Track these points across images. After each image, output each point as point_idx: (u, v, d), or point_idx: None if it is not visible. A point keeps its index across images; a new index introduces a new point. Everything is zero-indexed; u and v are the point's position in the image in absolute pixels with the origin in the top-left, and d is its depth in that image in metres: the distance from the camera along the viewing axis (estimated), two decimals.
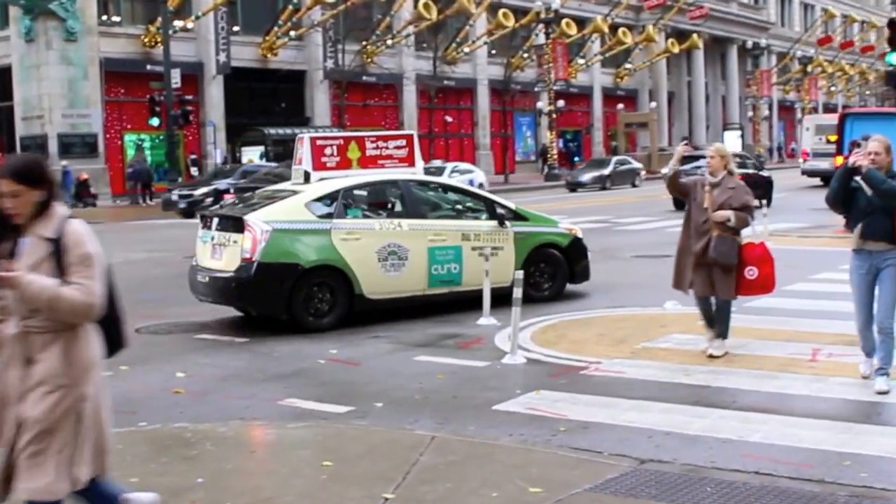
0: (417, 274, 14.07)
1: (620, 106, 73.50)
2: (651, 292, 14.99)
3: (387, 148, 15.15)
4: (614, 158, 55.91)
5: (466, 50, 60.93)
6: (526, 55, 64.86)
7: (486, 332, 12.83)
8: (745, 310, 13.88)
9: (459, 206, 15.41)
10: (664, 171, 10.91)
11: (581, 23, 67.79)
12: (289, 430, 8.59)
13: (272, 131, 47.71)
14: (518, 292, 11.31)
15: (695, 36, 77.79)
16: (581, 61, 69.21)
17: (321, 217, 13.80)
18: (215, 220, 14.21)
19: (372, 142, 15.15)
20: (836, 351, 10.93)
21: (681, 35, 77.63)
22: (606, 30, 69.11)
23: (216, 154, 48.83)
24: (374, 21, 56.47)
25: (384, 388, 10.02)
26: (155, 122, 43.33)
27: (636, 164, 55.85)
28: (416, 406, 9.31)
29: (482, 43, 62.03)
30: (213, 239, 13.99)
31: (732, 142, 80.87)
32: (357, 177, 14.64)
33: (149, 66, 47.33)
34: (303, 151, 14.73)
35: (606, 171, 52.29)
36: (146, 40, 47.72)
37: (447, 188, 16.34)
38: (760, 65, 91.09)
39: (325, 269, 13.53)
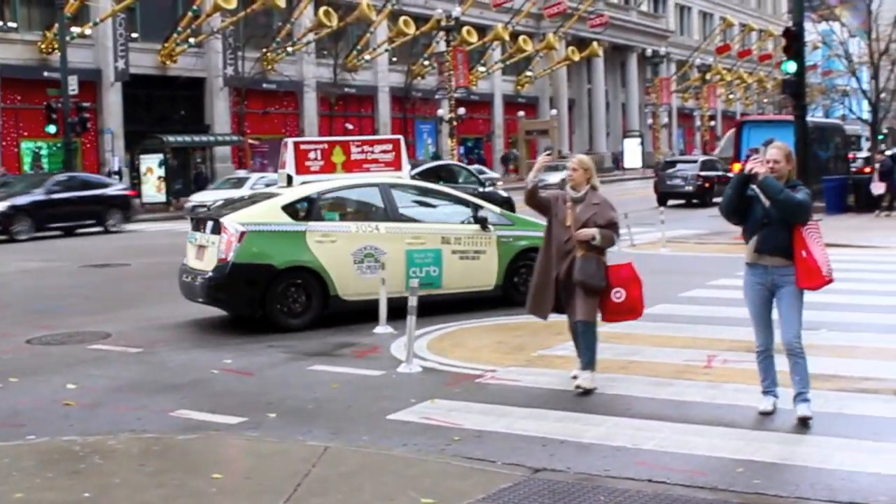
0: (395, 276, 14.05)
1: (521, 113, 73.92)
2: None
3: (372, 152, 15.34)
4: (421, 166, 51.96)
5: (367, 57, 60.75)
6: (427, 63, 64.91)
7: (383, 340, 12.72)
8: (642, 316, 13.98)
9: (442, 210, 15.39)
10: (528, 180, 10.10)
11: (482, 30, 68.05)
12: (179, 442, 8.38)
13: (171, 139, 47.00)
14: (413, 300, 11.20)
15: (595, 44, 78.54)
16: (482, 69, 69.44)
17: (297, 219, 14.01)
18: (204, 223, 14.48)
19: (357, 146, 15.39)
20: (732, 357, 11.00)
21: (581, 43, 78.33)
22: (507, 37, 69.45)
23: (114, 162, 48.01)
24: (275, 28, 56.07)
25: (278, 399, 9.85)
26: (52, 129, 42.43)
27: (492, 174, 51.92)
28: (310, 416, 9.16)
29: (383, 50, 61.93)
30: (196, 240, 14.34)
31: (632, 149, 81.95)
32: (337, 180, 14.80)
33: (46, 73, 46.36)
34: (286, 155, 15.07)
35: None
36: (43, 46, 46.76)
37: (430, 192, 16.11)
38: (660, 73, 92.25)
39: (299, 271, 13.79)
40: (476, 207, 15.22)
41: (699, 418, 8.75)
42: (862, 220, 30.08)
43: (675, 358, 11.20)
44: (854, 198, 34.13)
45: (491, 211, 15.33)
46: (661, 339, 12.35)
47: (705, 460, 7.55)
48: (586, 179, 9.94)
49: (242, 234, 13.56)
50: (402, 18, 60.39)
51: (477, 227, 14.89)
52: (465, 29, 64.02)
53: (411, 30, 60.43)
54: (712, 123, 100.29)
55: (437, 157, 63.95)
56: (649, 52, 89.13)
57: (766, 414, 8.57)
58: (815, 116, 43.30)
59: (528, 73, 76.14)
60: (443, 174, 31.53)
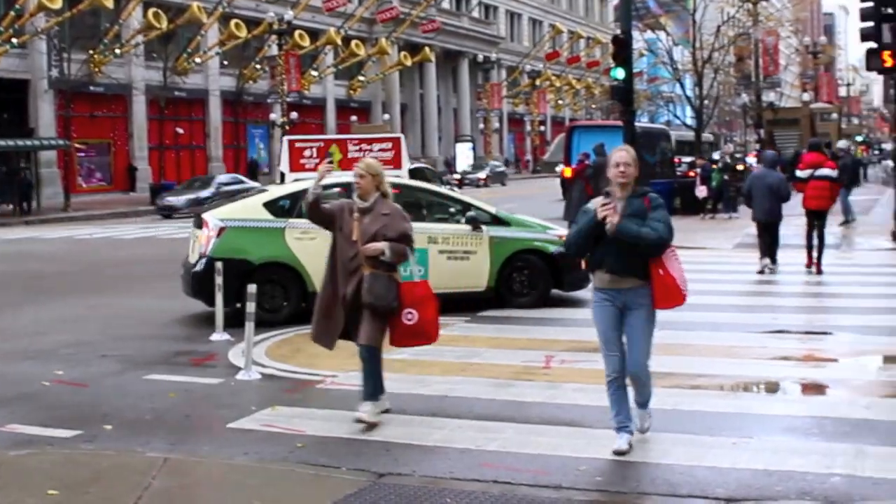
0: None
1: (354, 118, 73.86)
2: None
3: (371, 151, 15.26)
4: (219, 178, 47.52)
5: (198, 60, 59.83)
6: (259, 66, 64.31)
7: (220, 348, 12.52)
8: (478, 319, 14.12)
9: (432, 209, 15.25)
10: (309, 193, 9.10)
11: (314, 35, 67.76)
12: (10, 457, 8.07)
13: None
14: (251, 307, 11.04)
15: (427, 49, 79.00)
16: (314, 73, 69.13)
17: (278, 216, 14.27)
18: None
19: (355, 144, 15.45)
20: (569, 357, 11.18)
21: (413, 48, 78.69)
22: (340, 42, 69.31)
23: None
24: (102, 29, 54.73)
25: (114, 410, 9.59)
26: None
27: (250, 184, 46.60)
28: (148, 427, 8.94)
29: (214, 53, 61.09)
30: (193, 236, 14.77)
31: (464, 153, 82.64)
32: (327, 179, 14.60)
33: None
34: (282, 153, 15.34)
35: (206, 193, 43.59)
36: None
37: (421, 191, 15.83)
38: (491, 78, 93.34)
39: (276, 267, 14.12)
40: (469, 207, 15.16)
41: (540, 418, 8.86)
42: (688, 223, 30.92)
43: (513, 359, 11.32)
44: (680, 201, 35.11)
45: (485, 211, 15.17)
46: (499, 341, 12.47)
47: (548, 459, 7.64)
48: (375, 186, 8.91)
49: (222, 229, 13.94)
50: (233, 21, 59.69)
51: (468, 227, 14.81)
52: (297, 33, 63.66)
53: (243, 33, 59.77)
54: (542, 128, 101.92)
55: (255, 163, 63.58)
56: (480, 57, 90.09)
57: (620, 453, 7.65)
58: (641, 122, 44.39)
59: (361, 78, 76.12)
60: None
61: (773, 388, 10.41)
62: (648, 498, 6.85)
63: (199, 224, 14.48)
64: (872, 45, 25.13)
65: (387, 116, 76.85)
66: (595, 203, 7.73)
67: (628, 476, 7.25)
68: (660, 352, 11.05)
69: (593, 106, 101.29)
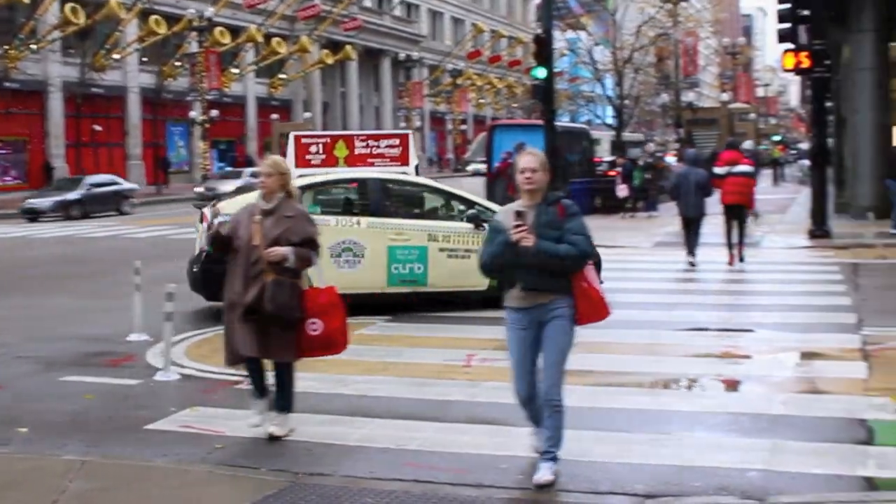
0: (375, 272, 14.05)
1: (275, 116, 73.37)
2: None
3: (378, 147, 15.28)
4: (88, 179, 44.41)
5: (116, 57, 59.04)
6: (179, 63, 63.64)
7: (138, 348, 12.36)
8: (399, 318, 14.11)
9: (434, 207, 15.15)
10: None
11: (235, 32, 67.18)
12: None
13: None
14: (169, 306, 10.92)
15: (348, 47, 78.75)
16: (235, 70, 68.58)
17: None
18: None
19: (361, 140, 15.38)
20: (489, 356, 11.19)
21: (335, 46, 78.40)
22: (261, 39, 68.80)
23: None
24: (17, 24, 53.80)
25: (29, 412, 9.42)
26: None
27: (127, 185, 46.32)
28: (65, 430, 8.79)
29: (133, 50, 60.34)
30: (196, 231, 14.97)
31: None
32: (327, 174, 14.94)
33: None
34: (288, 149, 15.30)
35: (74, 195, 41.27)
36: None
37: (426, 188, 15.62)
38: (413, 77, 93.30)
39: None
40: (472, 205, 14.97)
41: (461, 417, 8.86)
42: (609, 222, 31.17)
43: (434, 358, 11.32)
44: (601, 200, 35.40)
45: (488, 209, 14.87)
46: (420, 340, 12.46)
47: (469, 458, 7.64)
48: (281, 186, 8.31)
49: (220, 224, 13.63)
50: (152, 17, 58.98)
51: (470, 225, 14.61)
52: (217, 30, 63.08)
53: (162, 29, 59.10)
54: (464, 127, 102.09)
55: (166, 161, 63.04)
56: (402, 56, 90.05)
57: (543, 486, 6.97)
58: (562, 121, 44.65)
59: (282, 76, 75.67)
60: None
61: (692, 384, 10.50)
62: (569, 495, 6.87)
63: (202, 219, 14.58)
64: (789, 46, 25.52)
65: (308, 115, 76.46)
66: (504, 216, 7.12)
67: None
68: (581, 349, 11.15)
69: (514, 105, 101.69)
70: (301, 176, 14.84)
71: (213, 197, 46.84)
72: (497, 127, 38.65)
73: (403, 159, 15.45)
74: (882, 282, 17.50)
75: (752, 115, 78.94)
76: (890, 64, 30.03)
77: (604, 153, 50.28)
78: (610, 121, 57.30)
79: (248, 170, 46.59)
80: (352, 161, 15.17)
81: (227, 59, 67.09)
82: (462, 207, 15.09)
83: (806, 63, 24.93)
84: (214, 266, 13.64)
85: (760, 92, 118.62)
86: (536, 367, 7.19)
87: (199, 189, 46.43)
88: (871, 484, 6.99)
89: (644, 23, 56.66)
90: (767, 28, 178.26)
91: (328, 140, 15.48)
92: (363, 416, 8.93)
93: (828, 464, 7.37)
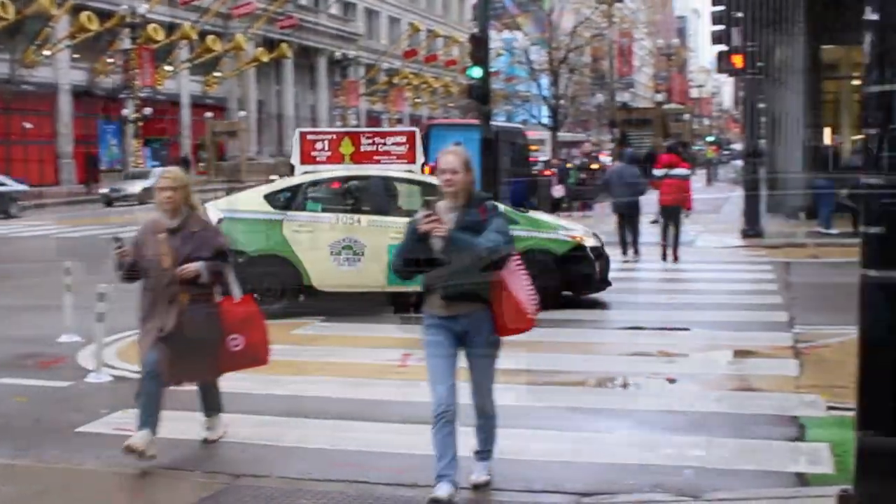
0: (375, 270, 13.93)
1: (209, 114, 72.84)
2: None
3: (384, 144, 15.22)
4: None
5: (47, 53, 58.24)
6: (111, 60, 62.93)
7: (69, 349, 12.17)
8: (334, 318, 14.07)
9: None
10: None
11: (169, 29, 66.54)
12: None
13: None
14: (101, 307, 10.77)
15: (284, 45, 78.36)
16: (169, 68, 67.97)
17: (277, 209, 14.33)
18: None
19: (367, 137, 15.36)
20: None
21: (270, 44, 77.98)
22: (195, 37, 68.21)
23: None
24: None
25: None
26: None
27: (15, 186, 42.51)
28: None
29: (64, 46, 59.55)
30: None
31: None
32: (330, 172, 14.98)
33: None
34: (293, 145, 15.39)
35: None
36: None
37: (430, 186, 15.39)
38: (349, 76, 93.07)
39: (271, 259, 14.18)
40: None
41: (396, 417, 8.84)
42: None
43: (370, 358, 11.29)
44: (537, 199, 35.51)
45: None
46: (355, 340, 12.44)
47: (405, 458, 7.63)
48: (184, 200, 7.75)
49: (219, 220, 13.58)
50: (84, 13, 58.24)
51: None
52: (151, 26, 62.43)
53: (94, 26, 58.36)
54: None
55: (96, 160, 62.28)
56: (338, 55, 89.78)
57: (437, 502, 6.44)
58: (498, 121, 44.71)
59: (217, 74, 75.13)
60: None
61: (627, 383, 10.56)
62: (503, 494, 6.88)
63: None
64: (723, 47, 25.78)
65: (243, 113, 75.98)
66: (418, 215, 6.66)
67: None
68: (517, 348, 11.20)
69: (450, 105, 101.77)
70: (305, 173, 15.03)
71: (120, 198, 46.24)
72: (433, 126, 38.61)
73: (410, 157, 15.38)
74: (813, 280, 17.72)
75: (686, 116, 79.62)
76: (821, 66, 30.46)
77: (542, 153, 50.48)
78: (546, 121, 57.53)
79: (159, 170, 45.97)
80: (357, 158, 15.11)
81: (160, 56, 66.43)
82: None
83: (739, 64, 25.20)
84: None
85: (694, 93, 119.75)
86: (455, 376, 6.66)
87: (104, 190, 45.59)
88: (802, 480, 7.07)
89: (580, 23, 56.99)
90: (701, 30, 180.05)
91: (334, 137, 15.48)
92: (298, 417, 8.89)
93: (761, 460, 7.45)
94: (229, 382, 9.99)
